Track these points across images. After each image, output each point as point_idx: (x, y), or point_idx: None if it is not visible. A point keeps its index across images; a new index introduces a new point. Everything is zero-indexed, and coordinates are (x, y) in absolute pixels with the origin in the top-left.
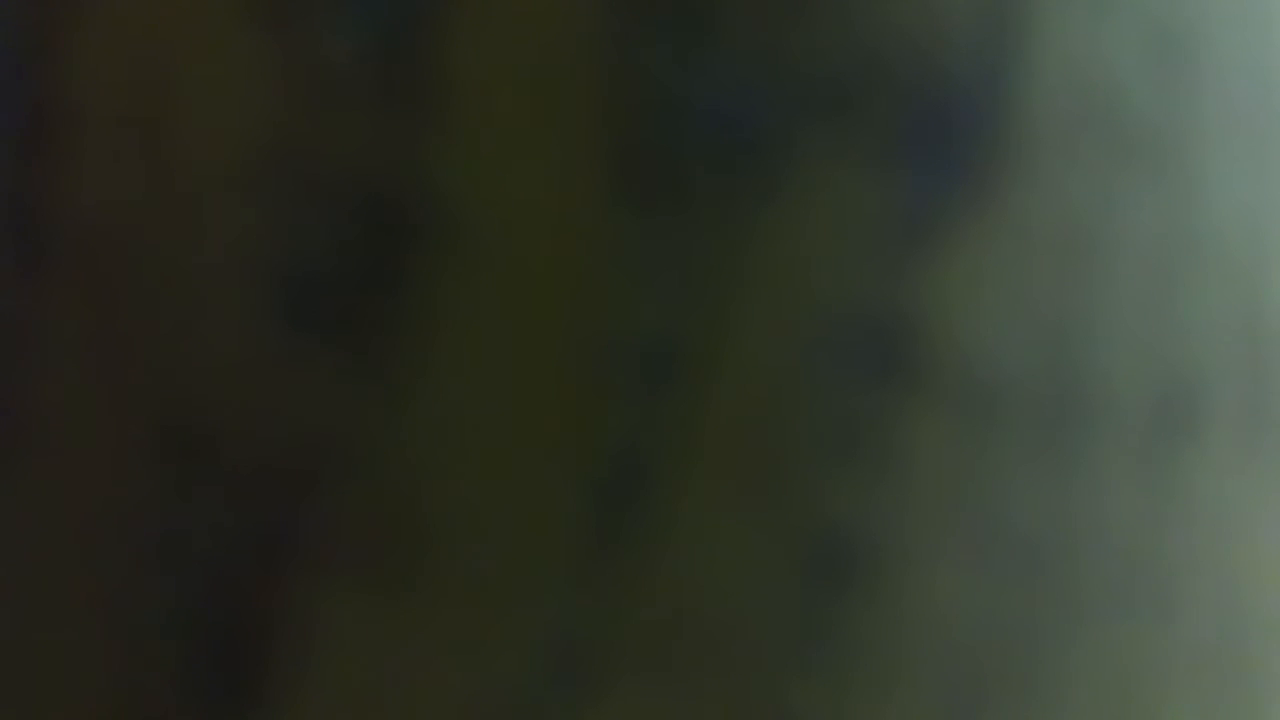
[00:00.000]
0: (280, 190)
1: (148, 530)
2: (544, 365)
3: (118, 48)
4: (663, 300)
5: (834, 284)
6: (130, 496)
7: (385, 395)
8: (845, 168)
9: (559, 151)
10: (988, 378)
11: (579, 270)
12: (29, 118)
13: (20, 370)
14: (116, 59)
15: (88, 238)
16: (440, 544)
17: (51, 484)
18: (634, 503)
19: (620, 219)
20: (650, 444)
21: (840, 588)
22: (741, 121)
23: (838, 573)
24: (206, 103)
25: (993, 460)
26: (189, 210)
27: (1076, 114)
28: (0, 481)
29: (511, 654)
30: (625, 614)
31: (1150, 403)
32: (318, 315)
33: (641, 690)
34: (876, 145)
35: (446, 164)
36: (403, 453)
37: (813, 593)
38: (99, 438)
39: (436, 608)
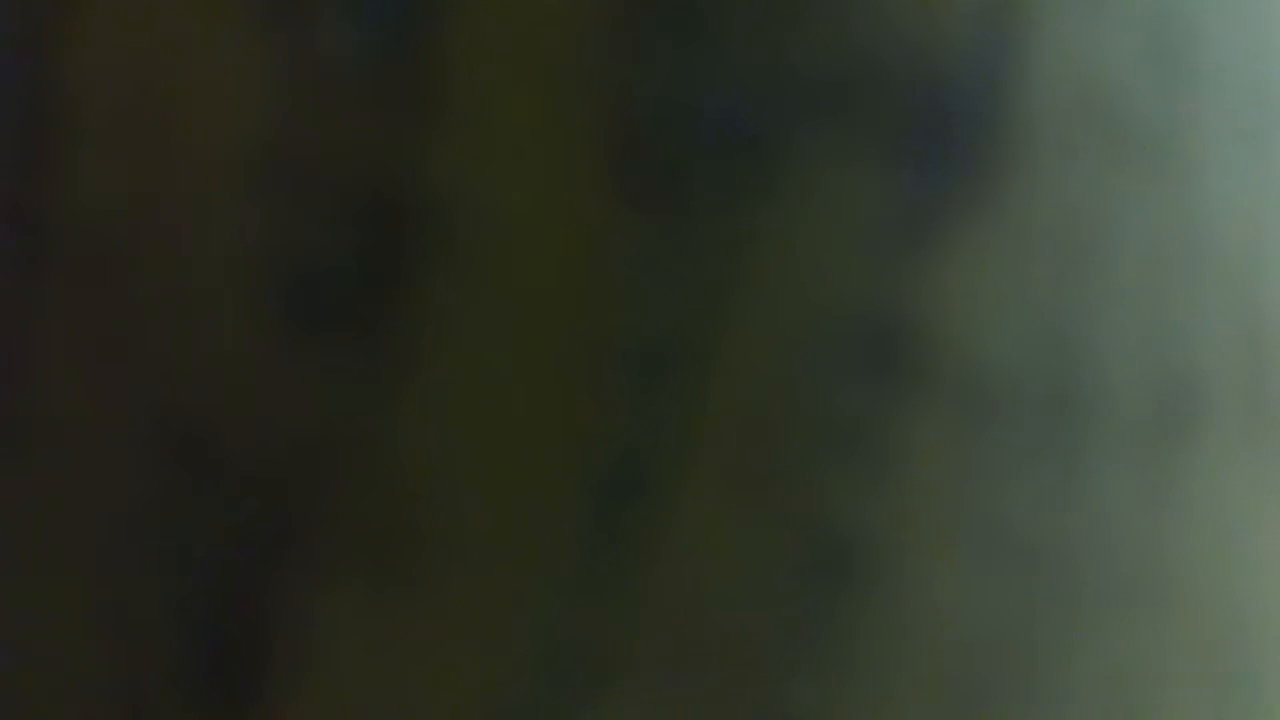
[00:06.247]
0: (280, 190)
1: (147, 529)
2: (544, 365)
3: (118, 47)
4: (663, 300)
5: (833, 284)
6: (130, 495)
7: (385, 394)
8: (844, 168)
9: (559, 151)
10: (987, 377)
11: (578, 270)
12: (29, 117)
13: (20, 370)
14: (116, 59)
15: (88, 238)
16: (440, 543)
17: (52, 483)
18: (634, 503)
19: (620, 219)
20: (650, 444)
21: (839, 587)
22: (741, 122)
23: (837, 572)
24: (206, 102)
25: (992, 460)
26: (188, 210)
27: (1076, 114)
28: (1, 481)
29: (510, 653)
30: (625, 614)
31: (1150, 402)
32: (317, 314)
33: (641, 689)
34: (875, 145)
35: (446, 164)
36: (402, 452)
37: (812, 592)
38: (99, 437)
39: (435, 607)
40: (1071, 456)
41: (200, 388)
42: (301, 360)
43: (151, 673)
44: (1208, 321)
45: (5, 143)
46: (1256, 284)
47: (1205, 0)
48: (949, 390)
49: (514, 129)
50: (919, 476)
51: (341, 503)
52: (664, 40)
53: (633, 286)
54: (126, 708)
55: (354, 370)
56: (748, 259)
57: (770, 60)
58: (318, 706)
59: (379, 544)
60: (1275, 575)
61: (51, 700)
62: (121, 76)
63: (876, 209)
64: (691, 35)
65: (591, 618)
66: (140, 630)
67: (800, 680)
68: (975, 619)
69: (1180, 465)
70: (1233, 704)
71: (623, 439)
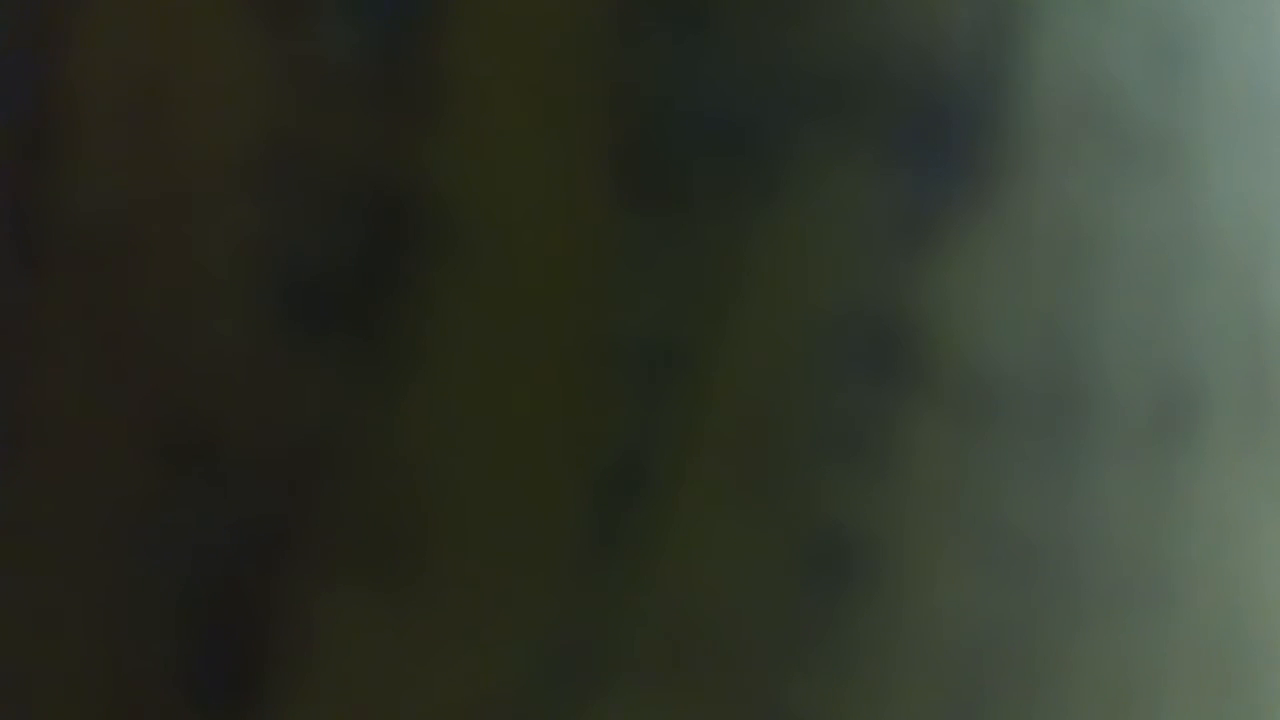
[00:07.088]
0: (280, 190)
1: (147, 528)
2: (544, 365)
3: (117, 47)
4: (663, 300)
5: (833, 284)
6: (130, 495)
7: (385, 394)
8: (845, 168)
9: (558, 151)
10: (988, 378)
11: (578, 270)
12: (29, 117)
13: (20, 370)
14: (116, 58)
15: (88, 237)
16: (440, 542)
17: (51, 483)
18: (634, 502)
19: (620, 219)
20: (650, 444)
21: (839, 587)
22: (741, 122)
23: (837, 572)
24: (206, 102)
25: (993, 460)
26: (188, 210)
27: (1076, 114)
28: (0, 481)
29: (511, 652)
30: (625, 613)
31: (1150, 403)
32: (317, 314)
33: (641, 688)
34: (876, 145)
35: (446, 164)
36: (402, 451)
37: (812, 592)
38: (99, 437)
39: (436, 606)
40: (1071, 457)
41: (200, 388)
42: (301, 360)
43: (151, 672)
44: (1208, 321)
45: (5, 143)
46: (1257, 284)
47: (1205, 0)
48: (949, 390)
49: (514, 129)
50: (919, 476)
51: (342, 503)
52: (664, 39)
53: (633, 286)
54: (126, 708)
55: (354, 370)
56: (748, 259)
57: (771, 60)
58: (318, 706)
59: (379, 544)
60: (1275, 575)
61: (51, 700)
62: (122, 76)
63: (877, 209)
64: (691, 35)
65: (591, 617)
66: (140, 629)
67: (800, 680)
68: (975, 619)
69: (1180, 465)
70: (1233, 704)
71: (623, 439)
